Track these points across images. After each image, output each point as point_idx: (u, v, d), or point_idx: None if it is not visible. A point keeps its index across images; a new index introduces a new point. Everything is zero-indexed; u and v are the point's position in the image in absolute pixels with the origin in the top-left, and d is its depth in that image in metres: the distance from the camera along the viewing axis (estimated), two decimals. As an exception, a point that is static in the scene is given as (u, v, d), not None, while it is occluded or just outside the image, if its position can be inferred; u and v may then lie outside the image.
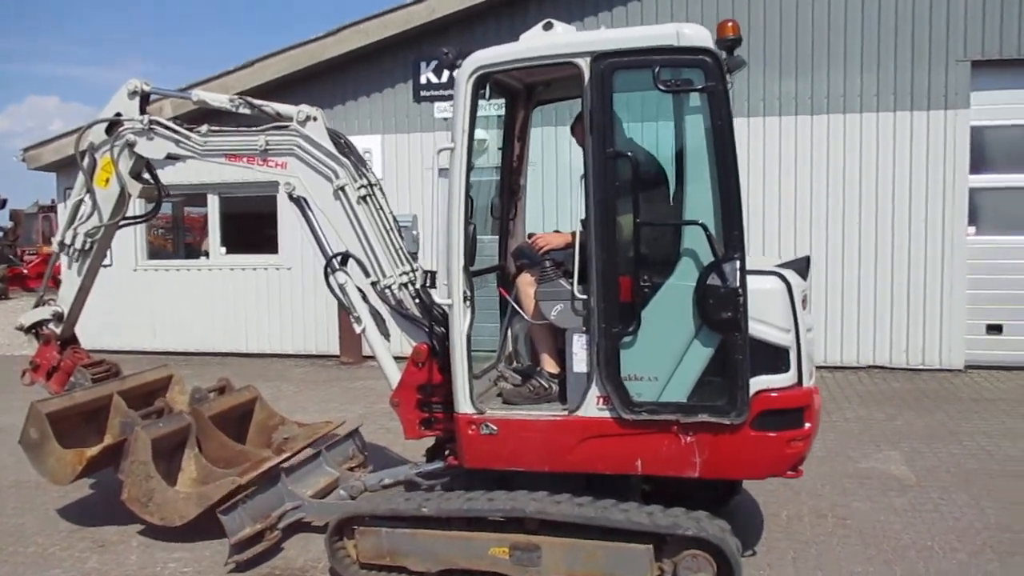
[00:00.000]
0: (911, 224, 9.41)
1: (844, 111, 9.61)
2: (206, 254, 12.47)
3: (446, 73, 10.79)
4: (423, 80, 10.87)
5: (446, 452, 5.25)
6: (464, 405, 4.24)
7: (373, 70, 11.00)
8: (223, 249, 11.89)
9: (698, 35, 3.80)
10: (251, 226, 12.24)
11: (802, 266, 4.27)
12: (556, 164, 10.08)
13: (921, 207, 9.38)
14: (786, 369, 3.97)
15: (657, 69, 3.77)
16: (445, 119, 10.79)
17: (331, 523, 4.34)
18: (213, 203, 11.84)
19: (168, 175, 5.59)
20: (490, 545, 4.10)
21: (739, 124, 6.77)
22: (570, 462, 4.14)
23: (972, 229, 9.35)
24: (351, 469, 5.52)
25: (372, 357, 10.66)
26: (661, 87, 3.77)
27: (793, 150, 9.78)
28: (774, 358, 3.95)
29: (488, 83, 4.35)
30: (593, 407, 4.04)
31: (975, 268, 9.28)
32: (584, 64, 3.92)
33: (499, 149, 5.64)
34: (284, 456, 5.10)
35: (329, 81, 11.22)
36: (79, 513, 5.52)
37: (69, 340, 5.63)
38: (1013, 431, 6.88)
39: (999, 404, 7.83)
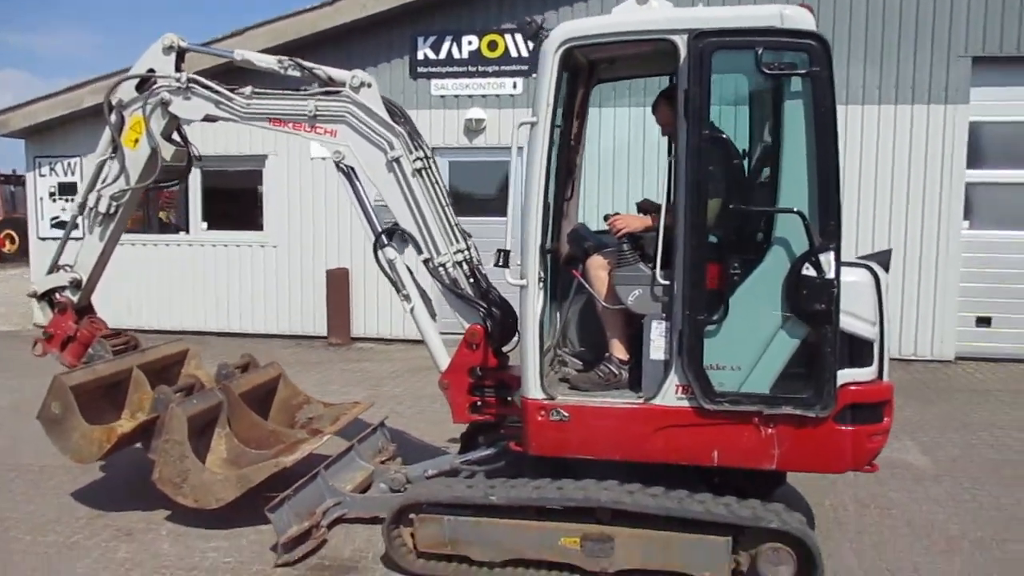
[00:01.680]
0: (907, 216, 9.54)
1: (846, 102, 9.63)
2: (177, 229, 12.00)
3: (444, 49, 10.52)
4: (420, 56, 10.54)
5: (480, 438, 5.18)
6: (534, 390, 4.09)
7: (369, 44, 10.59)
8: (204, 224, 11.41)
9: (802, 18, 3.69)
10: (233, 201, 11.81)
11: (885, 259, 4.23)
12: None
13: (918, 200, 9.50)
14: (870, 363, 3.93)
15: (760, 51, 3.64)
16: (442, 96, 10.51)
17: (390, 511, 4.17)
18: (194, 176, 11.34)
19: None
20: (560, 535, 3.99)
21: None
22: (644, 451, 4.05)
23: (966, 223, 9.52)
24: (383, 462, 5.34)
25: (361, 339, 10.71)
26: (764, 70, 3.65)
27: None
28: (859, 351, 3.91)
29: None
30: (672, 396, 3.95)
31: (968, 262, 9.46)
32: (681, 42, 3.77)
33: (556, 127, 5.40)
34: (322, 439, 4.88)
35: (322, 54, 10.61)
36: (96, 498, 5.22)
37: (85, 309, 5.30)
38: (1022, 421, 7.04)
39: (998, 395, 8.00)
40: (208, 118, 4.89)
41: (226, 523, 4.71)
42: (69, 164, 11.65)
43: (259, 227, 11.32)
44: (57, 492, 5.33)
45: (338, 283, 10.69)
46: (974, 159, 9.46)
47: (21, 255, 23.23)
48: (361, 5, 10.28)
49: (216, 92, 4.78)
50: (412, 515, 4.17)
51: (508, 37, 10.36)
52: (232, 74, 4.98)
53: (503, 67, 10.39)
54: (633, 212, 4.57)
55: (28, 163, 11.90)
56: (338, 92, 4.66)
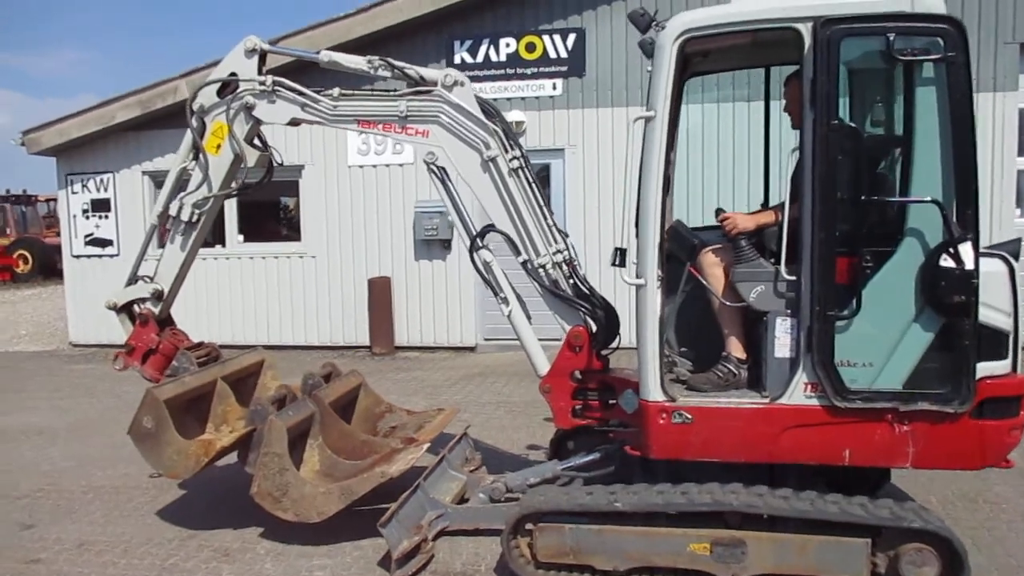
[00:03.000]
0: (958, 206, 9.42)
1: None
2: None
3: (481, 53, 10.43)
4: (457, 60, 10.44)
5: (569, 444, 5.06)
6: (655, 392, 3.98)
7: (404, 49, 10.44)
8: (240, 237, 11.29)
9: (934, 1, 3.59)
10: (270, 213, 11.71)
11: (1016, 248, 4.11)
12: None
13: (969, 190, 9.39)
14: (1006, 355, 3.82)
15: (892, 36, 3.54)
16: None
17: (509, 521, 4.04)
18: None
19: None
20: (689, 541, 3.86)
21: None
22: (771, 452, 3.93)
23: (1018, 211, 9.42)
24: (471, 471, 5.22)
25: (404, 348, 10.59)
26: (897, 56, 3.55)
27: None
28: (995, 343, 3.79)
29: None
30: (800, 394, 3.83)
31: (1021, 251, 9.35)
32: (806, 30, 3.66)
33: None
34: (421, 448, 4.75)
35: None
36: (183, 517, 5.08)
37: (166, 321, 5.18)
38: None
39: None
40: (293, 122, 4.79)
41: (323, 539, 4.59)
42: (101, 180, 11.54)
43: (297, 238, 11.22)
44: (140, 512, 5.20)
45: (380, 292, 10.57)
46: (1024, 147, 9.39)
47: (34, 275, 23.14)
48: (397, 9, 10.18)
49: (302, 94, 4.67)
50: (530, 525, 4.05)
51: (546, 38, 10.27)
52: (293, 75, 4.86)
53: (542, 68, 10.31)
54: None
55: (60, 181, 11.76)
56: (430, 91, 4.55)
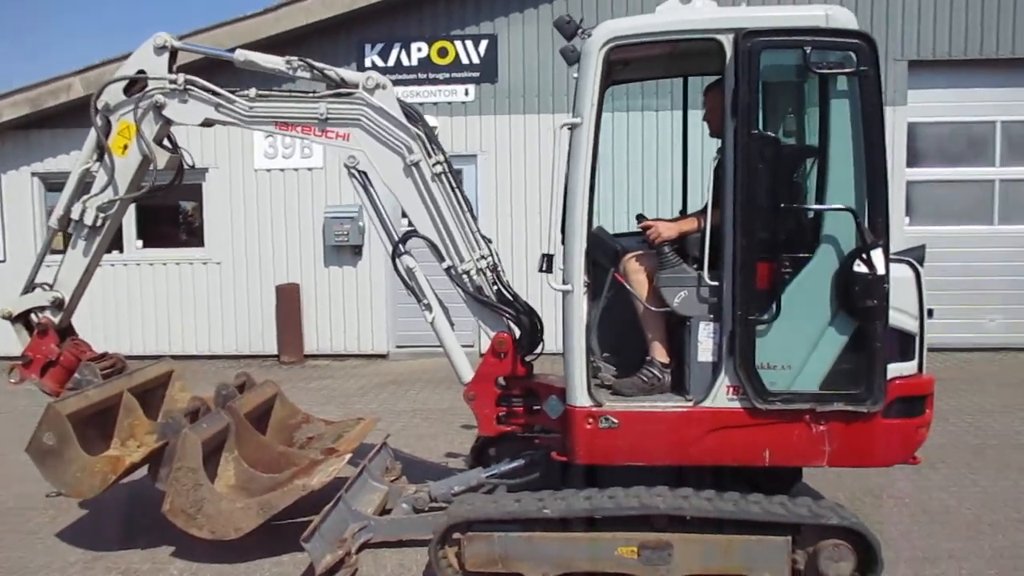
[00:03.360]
0: (852, 214, 9.88)
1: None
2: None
3: (392, 57, 10.31)
4: (368, 63, 10.28)
5: (490, 451, 5.03)
6: (581, 398, 3.99)
7: (313, 52, 10.05)
8: (139, 243, 10.79)
9: (847, 18, 3.75)
10: (167, 218, 11.22)
11: (920, 255, 4.31)
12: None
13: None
14: (913, 356, 4.01)
15: (808, 50, 3.67)
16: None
17: (437, 531, 3.98)
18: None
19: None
20: (617, 545, 3.88)
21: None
22: (694, 455, 4.00)
23: (907, 219, 9.95)
24: (392, 481, 5.12)
25: (314, 356, 10.34)
26: (813, 69, 3.68)
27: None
28: (904, 345, 3.98)
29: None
30: (723, 397, 3.91)
31: (910, 257, 9.88)
32: (727, 41, 3.76)
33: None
34: (343, 458, 4.62)
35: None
36: (86, 538, 4.78)
37: (66, 331, 4.88)
38: (983, 407, 7.41)
39: (953, 383, 8.37)
40: (207, 122, 4.60)
41: (240, 556, 4.40)
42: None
43: (198, 243, 10.81)
44: (39, 534, 4.88)
45: (289, 299, 10.30)
46: (912, 158, 9.91)
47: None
48: (305, 11, 9.95)
49: (217, 94, 4.50)
50: (458, 534, 3.99)
51: (459, 43, 10.24)
52: (198, 73, 4.66)
53: (454, 74, 10.26)
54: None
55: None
56: (351, 94, 4.46)
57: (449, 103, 10.29)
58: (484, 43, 10.20)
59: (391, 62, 10.28)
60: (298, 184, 10.45)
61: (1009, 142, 10.06)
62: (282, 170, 10.45)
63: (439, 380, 9.16)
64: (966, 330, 9.94)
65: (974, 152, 10.15)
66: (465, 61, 10.24)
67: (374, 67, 10.23)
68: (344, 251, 10.42)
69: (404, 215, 4.61)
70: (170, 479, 4.29)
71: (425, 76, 10.26)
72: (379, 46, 10.31)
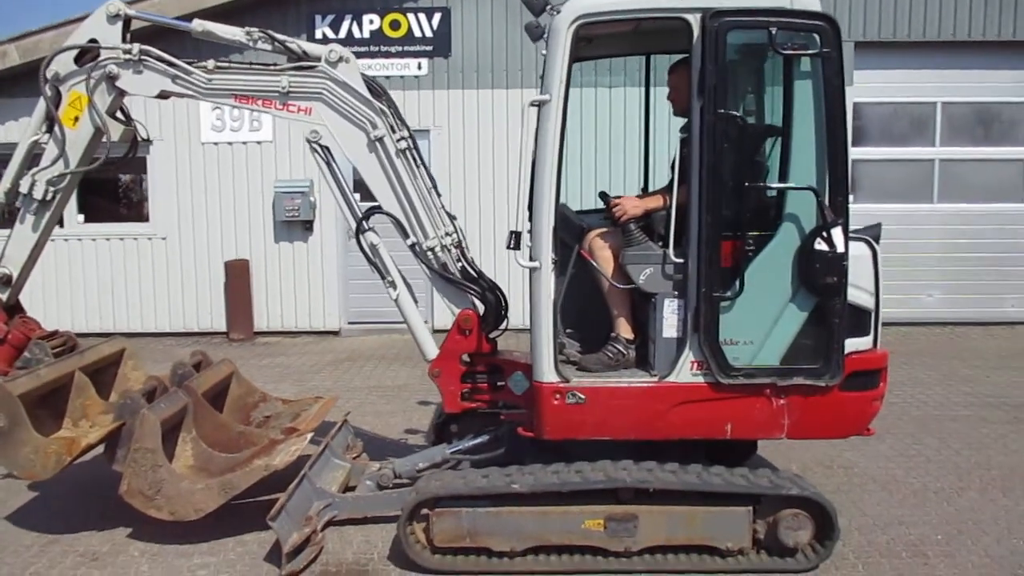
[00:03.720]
0: (799, 192, 10.10)
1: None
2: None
3: (344, 28, 10.14)
4: (319, 35, 10.06)
5: (452, 427, 5.02)
6: (549, 374, 4.03)
7: (259, 22, 9.83)
8: (81, 217, 10.44)
9: (812, 0, 3.81)
10: (108, 192, 10.86)
11: (876, 232, 4.43)
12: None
13: (809, 177, 10.08)
14: (868, 332, 4.14)
15: (774, 31, 3.73)
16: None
17: (406, 507, 3.99)
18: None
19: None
20: (584, 519, 3.95)
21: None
22: (659, 429, 4.08)
23: (852, 197, 10.18)
24: (354, 459, 5.10)
25: (264, 333, 10.18)
26: (778, 49, 3.74)
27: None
28: (860, 321, 4.11)
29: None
30: (687, 372, 3.99)
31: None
32: (695, 20, 3.79)
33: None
34: (304, 438, 4.57)
35: (210, 32, 10.09)
36: (38, 520, 4.65)
37: (14, 308, 4.73)
38: (923, 380, 7.69)
39: (894, 357, 8.54)
40: (162, 94, 4.47)
41: (201, 536, 4.34)
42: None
43: (144, 218, 10.53)
44: (-15, 517, 4.75)
45: (238, 275, 10.11)
46: (857, 138, 10.14)
47: None
48: (254, -22, 9.70)
49: (173, 66, 4.36)
50: (426, 510, 4.01)
51: (411, 16, 10.10)
52: (145, 41, 4.51)
53: (407, 47, 10.13)
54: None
55: None
56: (313, 67, 4.37)
57: (402, 77, 10.16)
58: (437, 16, 10.08)
59: (342, 34, 10.09)
60: (247, 158, 10.23)
61: (949, 123, 10.37)
62: (230, 143, 10.21)
63: (392, 357, 9.13)
64: (905, 305, 10.25)
65: (916, 132, 10.44)
66: (418, 34, 10.11)
67: (324, 39, 10.03)
68: (295, 226, 10.26)
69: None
70: (127, 460, 4.21)
71: (377, 49, 10.10)
72: (330, 17, 10.11)
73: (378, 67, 10.11)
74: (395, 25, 10.10)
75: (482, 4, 10.07)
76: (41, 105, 4.46)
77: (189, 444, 4.57)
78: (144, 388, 4.63)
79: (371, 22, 10.09)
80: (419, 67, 10.17)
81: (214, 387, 5.06)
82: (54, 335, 4.81)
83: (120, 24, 4.40)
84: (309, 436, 4.60)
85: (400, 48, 10.14)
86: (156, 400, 4.47)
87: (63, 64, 4.42)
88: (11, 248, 4.62)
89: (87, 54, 4.43)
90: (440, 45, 10.12)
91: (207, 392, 4.88)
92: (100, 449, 4.59)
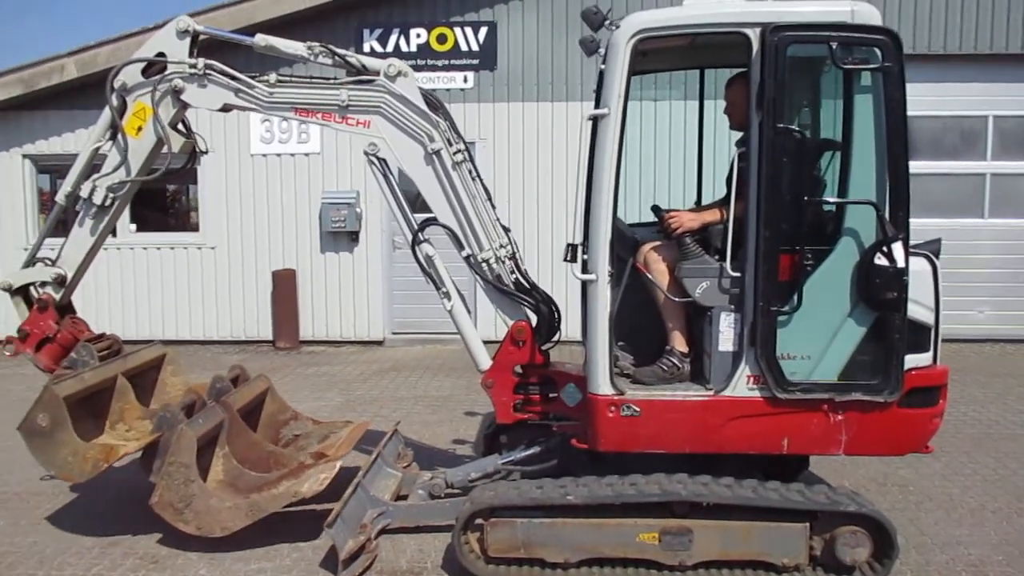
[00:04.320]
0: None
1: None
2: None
3: (391, 42, 10.25)
4: (367, 49, 10.18)
5: (502, 438, 5.02)
6: (604, 386, 4.04)
7: (310, 36, 9.99)
8: (133, 226, 10.67)
9: (871, 14, 3.79)
10: (159, 202, 11.10)
11: (936, 248, 4.38)
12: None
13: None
14: (928, 348, 4.08)
15: (834, 45, 3.71)
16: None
17: (461, 517, 4.01)
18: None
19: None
20: (638, 531, 3.95)
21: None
22: (714, 443, 4.06)
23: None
24: (405, 468, 5.14)
25: (309, 342, 10.31)
26: (839, 64, 3.73)
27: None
28: (920, 337, 4.05)
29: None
30: (743, 387, 3.98)
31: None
32: (754, 35, 3.79)
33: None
34: (334, 466, 4.46)
35: (261, 48, 10.28)
36: (98, 523, 4.76)
37: (65, 308, 4.85)
38: (977, 397, 7.57)
39: (946, 375, 8.49)
40: (225, 108, 4.58)
41: (257, 542, 4.41)
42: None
43: (192, 228, 10.73)
44: (52, 520, 4.86)
45: (285, 285, 10.26)
46: (906, 152, 10.01)
47: None
48: (304, -6, 9.87)
49: (236, 79, 4.47)
50: (481, 520, 4.03)
51: (458, 30, 10.21)
52: (206, 53, 4.63)
53: (453, 61, 10.23)
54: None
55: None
56: (372, 81, 4.45)
57: (448, 90, 10.25)
58: (484, 30, 10.18)
59: (390, 47, 10.22)
60: (295, 169, 10.39)
61: (1001, 136, 10.20)
62: (278, 155, 10.39)
63: (437, 367, 9.19)
64: (955, 321, 10.04)
65: (967, 145, 10.29)
66: (464, 48, 10.21)
67: (372, 52, 10.18)
68: (341, 237, 10.39)
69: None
70: (162, 472, 4.28)
71: (424, 63, 10.20)
72: (378, 31, 10.25)
73: (425, 80, 10.11)
74: (442, 39, 10.21)
75: (528, 18, 10.15)
76: (106, 114, 4.60)
77: (221, 460, 4.60)
78: (184, 401, 4.69)
79: (418, 36, 10.22)
80: (465, 80, 10.26)
81: (249, 403, 5.09)
82: (101, 337, 4.92)
83: (188, 40, 4.52)
84: (338, 465, 4.52)
85: (447, 62, 10.24)
86: (194, 415, 4.54)
87: (130, 75, 4.55)
88: (67, 250, 4.75)
89: (153, 66, 4.56)
90: (486, 58, 10.21)
91: (242, 408, 4.92)
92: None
